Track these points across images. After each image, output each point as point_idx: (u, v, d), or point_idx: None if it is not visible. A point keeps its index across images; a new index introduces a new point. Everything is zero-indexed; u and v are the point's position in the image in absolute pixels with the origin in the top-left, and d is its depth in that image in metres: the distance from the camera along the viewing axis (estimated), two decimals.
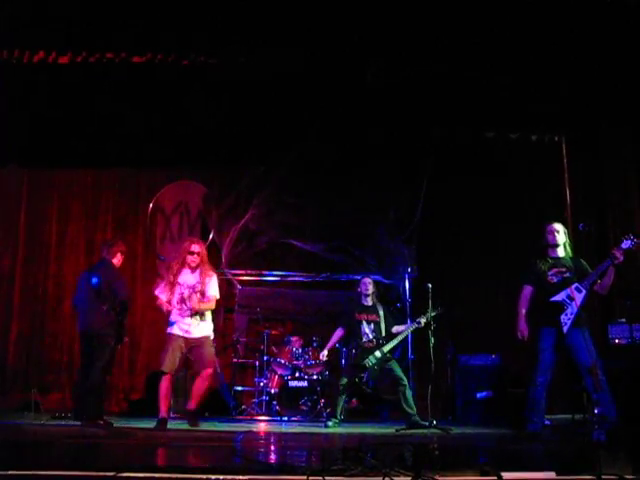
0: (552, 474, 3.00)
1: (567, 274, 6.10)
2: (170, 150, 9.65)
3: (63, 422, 7.31)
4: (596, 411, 5.77)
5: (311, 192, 9.73)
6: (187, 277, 7.06)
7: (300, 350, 9.16)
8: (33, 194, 10.30)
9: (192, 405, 7.07)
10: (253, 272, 9.91)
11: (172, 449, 4.97)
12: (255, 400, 9.14)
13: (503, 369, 8.61)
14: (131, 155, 9.77)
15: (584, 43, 8.10)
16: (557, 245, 6.26)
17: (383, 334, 7.77)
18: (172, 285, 6.99)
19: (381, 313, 7.89)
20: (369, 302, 7.95)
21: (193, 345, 6.99)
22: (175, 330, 6.97)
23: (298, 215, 9.56)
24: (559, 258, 6.27)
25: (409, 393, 7.50)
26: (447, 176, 9.84)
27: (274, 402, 8.77)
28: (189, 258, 7.07)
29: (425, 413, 7.21)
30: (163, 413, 6.76)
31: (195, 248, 7.12)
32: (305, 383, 8.76)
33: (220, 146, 9.58)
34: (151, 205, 10.17)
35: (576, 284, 5.99)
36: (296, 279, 10.05)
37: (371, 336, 7.74)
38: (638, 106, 9.02)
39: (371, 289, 7.97)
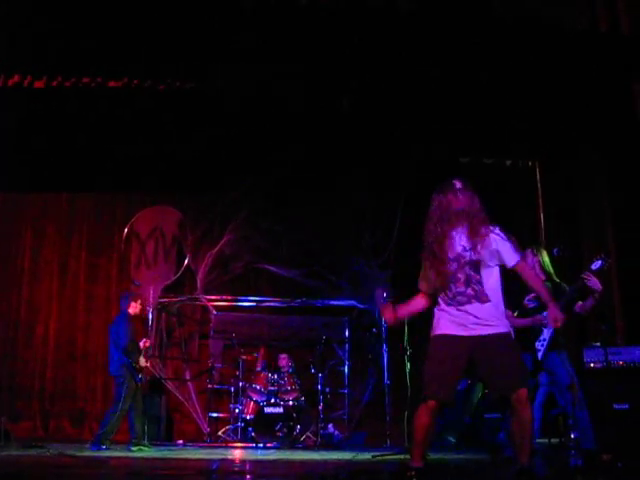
0: None
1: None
2: (146, 175, 9.66)
3: (34, 451, 7.17)
4: (572, 435, 5.77)
5: (286, 217, 9.75)
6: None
7: (276, 376, 9.12)
8: (6, 218, 10.19)
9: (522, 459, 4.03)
10: (228, 298, 9.88)
11: (146, 478, 4.89)
12: (230, 426, 9.07)
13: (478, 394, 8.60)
14: (106, 180, 9.74)
15: (558, 71, 8.23)
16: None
17: None
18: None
19: None
20: None
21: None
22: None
23: (273, 240, 9.57)
24: None
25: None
26: (422, 202, 9.87)
27: (250, 428, 8.70)
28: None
29: (401, 439, 7.20)
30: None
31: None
32: (281, 409, 8.71)
33: (195, 171, 9.57)
34: (126, 230, 10.11)
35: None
36: (271, 304, 10.02)
37: None
38: (610, 132, 9.14)
39: None
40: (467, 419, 8.11)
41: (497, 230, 4.18)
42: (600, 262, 5.76)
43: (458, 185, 4.38)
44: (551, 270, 6.25)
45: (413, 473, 3.94)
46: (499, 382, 3.97)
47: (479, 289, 4.04)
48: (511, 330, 4.13)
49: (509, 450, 5.84)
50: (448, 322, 4.09)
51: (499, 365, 3.94)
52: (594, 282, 5.72)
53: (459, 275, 4.09)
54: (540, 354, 5.86)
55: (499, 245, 4.11)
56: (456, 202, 4.30)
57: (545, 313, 5.90)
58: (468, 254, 4.10)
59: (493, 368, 3.97)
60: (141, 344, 7.93)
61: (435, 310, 4.23)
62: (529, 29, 7.59)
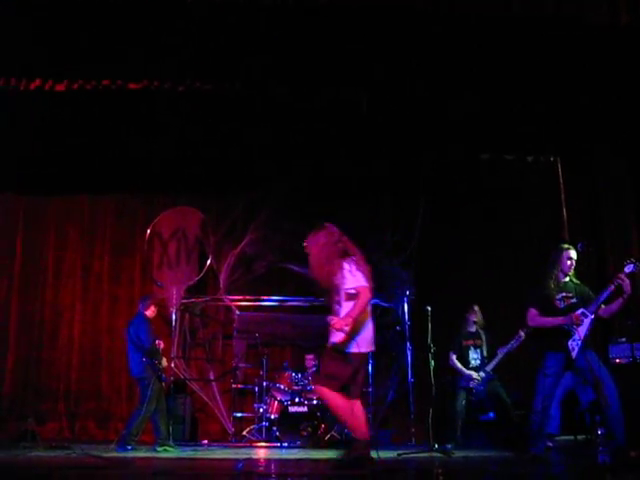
0: None
1: (573, 300, 6.01)
2: (167, 176, 9.69)
3: (61, 452, 7.22)
4: (599, 432, 5.71)
5: (308, 216, 9.71)
6: None
7: (300, 375, 9.11)
8: (29, 221, 10.29)
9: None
10: (251, 297, 9.88)
11: (172, 478, 4.90)
12: (255, 426, 9.07)
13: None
14: (128, 181, 9.80)
15: (579, 66, 8.13)
16: (569, 274, 6.18)
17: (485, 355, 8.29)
18: None
19: (484, 337, 8.41)
20: (474, 329, 8.43)
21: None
22: None
23: (295, 239, 9.52)
24: (566, 283, 6.18)
25: (512, 413, 7.93)
26: (444, 199, 9.87)
27: (274, 428, 8.70)
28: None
29: (426, 436, 7.15)
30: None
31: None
32: (305, 408, 8.71)
33: (217, 172, 9.60)
34: (149, 231, 10.15)
35: (582, 309, 5.92)
36: (294, 304, 10.00)
37: (478, 360, 8.29)
38: (632, 127, 9.04)
39: (479, 316, 8.46)
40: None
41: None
42: (632, 266, 5.78)
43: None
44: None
45: None
46: None
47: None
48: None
49: (538, 447, 5.80)
50: None
51: None
52: (627, 285, 5.69)
53: None
54: (575, 353, 5.79)
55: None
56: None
57: (579, 311, 5.87)
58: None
59: None
60: (156, 344, 7.96)
61: None
62: (549, 24, 7.49)
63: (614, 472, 2.98)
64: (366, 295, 5.27)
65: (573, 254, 6.14)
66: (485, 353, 8.33)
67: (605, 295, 5.84)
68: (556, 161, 10.42)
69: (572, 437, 7.59)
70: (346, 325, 5.11)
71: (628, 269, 5.77)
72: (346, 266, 5.29)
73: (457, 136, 9.25)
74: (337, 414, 5.30)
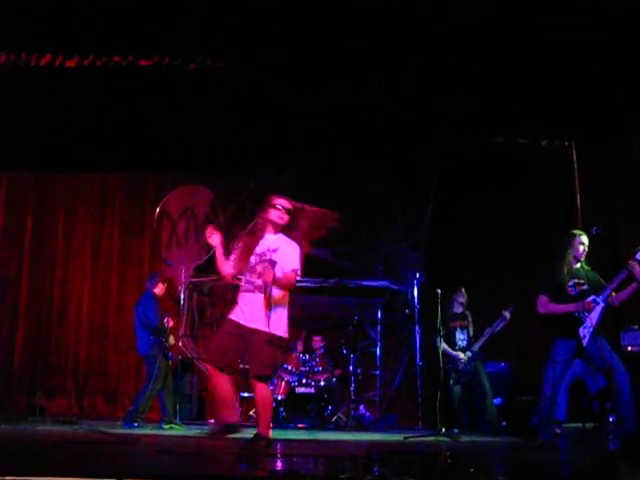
0: None
1: (584, 286, 5.90)
2: (177, 155, 9.61)
3: (68, 427, 7.24)
4: (611, 419, 5.65)
5: (318, 197, 9.64)
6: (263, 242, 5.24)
7: (307, 356, 9.10)
8: (39, 199, 10.30)
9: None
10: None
11: (177, 456, 4.87)
12: None
13: (512, 376, 8.51)
14: (138, 160, 9.74)
15: (596, 48, 7.99)
16: (582, 260, 6.07)
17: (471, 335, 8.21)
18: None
19: (470, 318, 8.31)
20: (460, 310, 8.33)
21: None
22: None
23: None
24: (577, 269, 6.06)
25: (490, 398, 7.81)
26: (455, 182, 9.77)
27: (281, 408, 8.69)
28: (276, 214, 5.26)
29: (433, 420, 7.12)
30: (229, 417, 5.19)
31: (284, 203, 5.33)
32: (312, 389, 8.71)
33: (227, 151, 9.52)
34: (158, 210, 10.12)
35: (593, 296, 5.81)
36: (303, 285, 9.93)
37: (465, 341, 8.17)
38: None
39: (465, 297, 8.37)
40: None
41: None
42: None
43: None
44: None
45: None
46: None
47: None
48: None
49: (546, 434, 5.75)
50: None
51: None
52: (638, 272, 5.57)
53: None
54: (586, 341, 5.70)
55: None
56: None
57: (590, 298, 5.77)
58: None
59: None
60: (165, 323, 7.94)
61: None
62: (567, 2, 7.36)
63: (624, 459, 2.93)
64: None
65: (585, 240, 6.03)
66: (471, 333, 8.24)
67: (616, 282, 5.73)
68: (571, 145, 10.30)
69: (580, 424, 7.53)
70: None
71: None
72: None
73: (471, 118, 9.13)
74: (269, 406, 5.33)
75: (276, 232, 5.23)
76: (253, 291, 5.03)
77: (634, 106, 8.98)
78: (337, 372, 9.15)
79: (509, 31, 7.74)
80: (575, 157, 10.20)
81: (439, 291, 7.38)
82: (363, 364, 9.39)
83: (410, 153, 9.54)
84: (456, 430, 7.33)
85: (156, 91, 8.56)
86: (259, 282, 4.97)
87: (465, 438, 6.78)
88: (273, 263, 5.02)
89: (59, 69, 7.95)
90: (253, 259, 5.10)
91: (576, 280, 5.93)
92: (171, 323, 8.02)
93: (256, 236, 5.23)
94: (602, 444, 5.37)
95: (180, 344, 8.87)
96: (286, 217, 5.24)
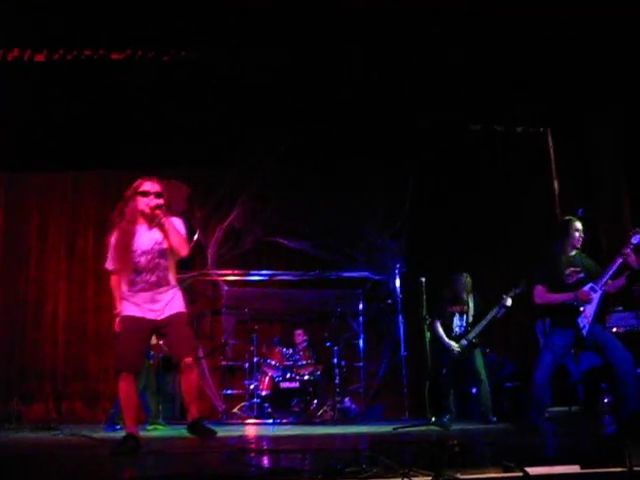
0: (576, 467, 2.85)
1: (581, 274, 5.76)
2: (152, 150, 9.43)
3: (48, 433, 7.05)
4: (605, 400, 5.60)
5: (297, 189, 9.58)
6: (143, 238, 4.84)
7: (291, 350, 9.02)
8: (12, 197, 10.04)
9: (193, 413, 4.93)
10: (240, 272, 9.70)
11: (165, 457, 4.76)
12: (245, 403, 8.96)
13: (499, 364, 8.47)
14: (112, 156, 9.53)
15: (568, 34, 7.98)
16: (578, 246, 5.91)
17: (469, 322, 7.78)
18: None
19: (471, 304, 7.84)
20: (463, 294, 7.87)
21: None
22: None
23: (284, 213, 9.41)
24: (573, 256, 5.90)
25: (485, 388, 7.46)
26: (434, 171, 9.73)
27: (266, 404, 8.59)
28: (145, 202, 4.88)
29: (420, 410, 7.09)
30: (130, 428, 4.74)
31: (152, 187, 4.96)
32: (297, 384, 8.61)
33: (204, 145, 9.37)
34: None
35: (590, 284, 5.67)
36: (284, 278, 9.86)
37: (462, 328, 7.73)
38: (625, 98, 8.92)
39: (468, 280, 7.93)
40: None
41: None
42: (639, 236, 5.53)
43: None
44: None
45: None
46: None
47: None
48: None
49: (538, 419, 5.71)
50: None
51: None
52: (633, 259, 5.50)
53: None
54: (585, 330, 5.62)
55: None
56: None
57: (587, 287, 5.68)
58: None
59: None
60: None
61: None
62: None
63: (624, 442, 2.87)
64: None
65: (580, 226, 5.87)
66: (470, 319, 7.83)
67: (612, 269, 5.61)
68: (546, 132, 10.32)
69: (566, 408, 7.53)
70: None
71: (635, 240, 5.49)
72: None
73: (448, 106, 9.09)
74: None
75: (150, 227, 4.85)
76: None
77: (607, 92, 9.03)
78: (320, 367, 9.07)
79: (483, 19, 7.70)
80: (551, 143, 10.25)
81: (423, 279, 7.32)
82: (347, 356, 9.32)
83: (390, 142, 9.47)
84: (446, 419, 7.22)
85: (129, 85, 8.39)
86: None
87: (455, 426, 6.75)
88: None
89: (28, 64, 7.74)
90: (143, 259, 4.75)
91: (572, 268, 5.82)
92: None
93: (129, 231, 4.85)
94: (598, 427, 5.33)
95: (161, 342, 8.70)
96: (156, 202, 4.86)
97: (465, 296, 7.88)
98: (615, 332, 6.90)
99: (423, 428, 6.61)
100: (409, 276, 8.99)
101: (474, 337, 7.60)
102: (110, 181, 10.18)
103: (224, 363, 9.22)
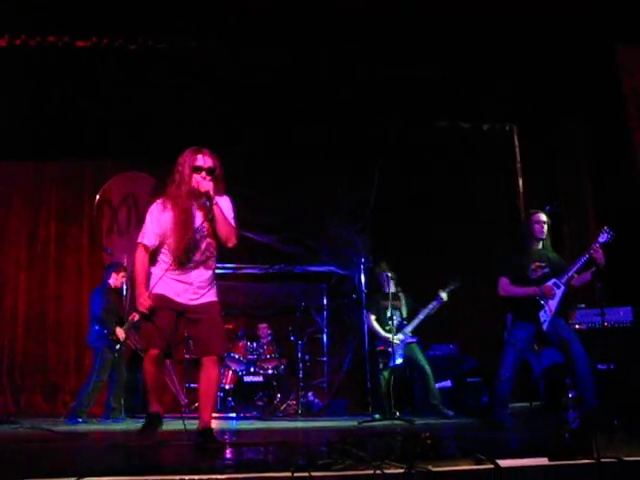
0: (544, 460, 2.88)
1: (546, 269, 5.85)
2: (116, 140, 9.29)
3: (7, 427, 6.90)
4: (570, 395, 5.69)
5: (262, 182, 9.54)
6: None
7: (255, 344, 8.98)
8: None
9: (205, 418, 4.50)
10: None
11: (125, 449, 4.69)
12: None
13: (461, 359, 8.54)
14: (75, 146, 9.37)
15: (536, 32, 8.05)
16: (542, 238, 5.96)
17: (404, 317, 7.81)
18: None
19: (403, 299, 7.90)
20: (393, 288, 7.83)
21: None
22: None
23: (249, 207, 9.33)
24: (539, 251, 5.99)
25: (431, 380, 7.53)
26: (399, 167, 9.76)
27: (229, 398, 8.55)
28: (197, 180, 4.53)
29: (386, 405, 7.11)
30: (154, 407, 4.79)
31: (205, 161, 4.58)
32: (260, 378, 8.60)
33: (169, 136, 9.25)
34: (97, 197, 9.79)
35: (554, 280, 5.77)
36: (248, 271, 9.80)
37: (397, 323, 7.68)
38: (591, 99, 9.02)
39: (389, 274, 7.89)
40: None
41: None
42: (607, 235, 5.62)
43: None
44: None
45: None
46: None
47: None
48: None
49: (502, 414, 5.76)
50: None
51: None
52: (600, 256, 5.58)
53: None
54: (546, 325, 5.69)
55: None
56: None
57: (551, 282, 5.76)
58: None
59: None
60: (130, 318, 7.76)
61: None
62: None
63: (593, 435, 2.91)
64: None
65: (542, 217, 5.94)
66: (405, 314, 7.87)
67: (577, 266, 5.70)
68: (512, 130, 10.41)
69: (527, 404, 7.64)
70: None
71: (602, 238, 5.61)
72: None
73: (414, 102, 9.10)
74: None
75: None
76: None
77: (573, 90, 9.12)
78: (284, 361, 9.05)
79: (451, 16, 7.73)
80: (517, 141, 10.33)
81: (389, 274, 7.39)
82: (311, 351, 9.33)
83: (355, 137, 9.47)
84: (377, 416, 7.19)
85: (93, 74, 8.24)
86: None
87: (419, 421, 6.78)
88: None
89: None
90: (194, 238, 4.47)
91: (538, 263, 5.89)
92: (136, 317, 7.72)
93: (188, 209, 4.55)
94: (562, 420, 5.40)
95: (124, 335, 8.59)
96: (207, 186, 4.50)
97: (397, 290, 7.94)
98: (577, 329, 6.99)
99: (388, 423, 6.64)
100: (373, 272, 8.99)
101: (411, 331, 7.67)
102: (72, 171, 10.04)
103: (187, 356, 9.13)
